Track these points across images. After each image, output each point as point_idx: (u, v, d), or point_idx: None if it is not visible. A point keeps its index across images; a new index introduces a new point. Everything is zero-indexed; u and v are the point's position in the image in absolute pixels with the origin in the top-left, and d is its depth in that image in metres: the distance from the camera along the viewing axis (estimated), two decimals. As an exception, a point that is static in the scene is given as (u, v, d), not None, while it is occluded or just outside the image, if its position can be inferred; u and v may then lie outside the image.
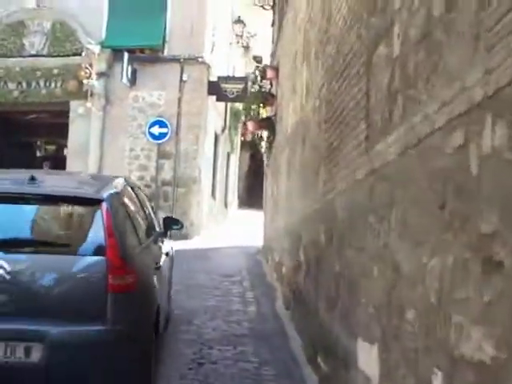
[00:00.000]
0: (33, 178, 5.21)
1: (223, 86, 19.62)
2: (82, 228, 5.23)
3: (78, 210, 5.25)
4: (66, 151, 19.97)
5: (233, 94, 19.68)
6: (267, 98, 11.11)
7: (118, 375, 4.83)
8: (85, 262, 4.87)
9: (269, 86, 11.24)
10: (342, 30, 5.13)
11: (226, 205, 25.38)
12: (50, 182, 5.73)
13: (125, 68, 17.77)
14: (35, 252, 4.97)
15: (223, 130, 23.37)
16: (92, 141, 18.37)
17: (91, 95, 17.96)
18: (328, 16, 5.85)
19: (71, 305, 4.73)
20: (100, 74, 18.13)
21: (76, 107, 18.40)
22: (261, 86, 11.32)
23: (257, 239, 16.89)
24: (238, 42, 20.17)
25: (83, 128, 18.41)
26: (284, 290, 8.85)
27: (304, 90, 7.32)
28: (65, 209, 5.28)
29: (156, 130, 18.40)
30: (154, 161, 18.40)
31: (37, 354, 4.58)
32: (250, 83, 11.81)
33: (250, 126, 11.46)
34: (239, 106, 28.45)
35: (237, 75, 22.50)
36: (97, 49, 17.88)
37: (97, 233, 4.93)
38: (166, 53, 18.73)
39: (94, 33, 18.51)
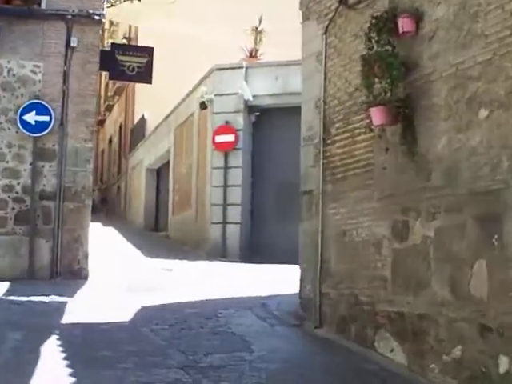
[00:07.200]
0: None
1: (120, 58, 14.09)
2: None
3: None
4: None
5: (133, 70, 14.23)
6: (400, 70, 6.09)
7: None
8: None
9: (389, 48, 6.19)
10: None
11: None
12: None
13: (-12, 22, 11.64)
14: None
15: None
16: None
17: None
18: None
19: None
20: None
21: None
22: (384, 46, 6.20)
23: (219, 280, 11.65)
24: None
25: None
26: None
27: None
28: None
29: (32, 117, 12.34)
30: (29, 163, 12.37)
31: None
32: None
33: (378, 115, 6.26)
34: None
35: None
36: None
37: None
38: (44, 5, 12.76)
39: None
